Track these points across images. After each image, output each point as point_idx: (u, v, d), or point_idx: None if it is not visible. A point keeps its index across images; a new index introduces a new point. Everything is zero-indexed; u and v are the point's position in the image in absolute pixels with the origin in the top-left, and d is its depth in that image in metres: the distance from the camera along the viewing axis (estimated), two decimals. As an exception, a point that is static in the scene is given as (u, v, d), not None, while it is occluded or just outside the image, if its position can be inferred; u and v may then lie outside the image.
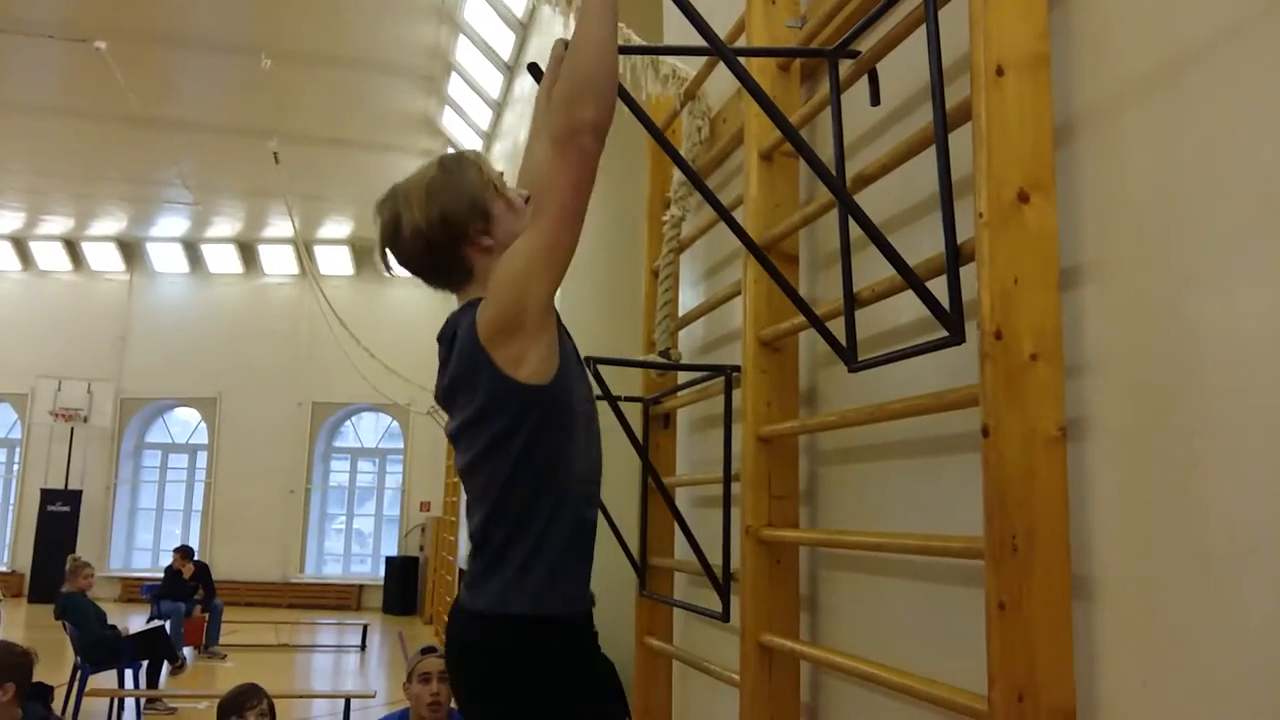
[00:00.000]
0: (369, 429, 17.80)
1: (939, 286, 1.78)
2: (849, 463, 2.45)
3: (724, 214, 2.34)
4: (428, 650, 3.69)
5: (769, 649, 2.43)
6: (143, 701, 7.74)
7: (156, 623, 8.37)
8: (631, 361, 3.18)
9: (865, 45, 2.18)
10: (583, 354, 1.86)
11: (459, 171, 1.75)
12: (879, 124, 2.28)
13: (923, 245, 2.02)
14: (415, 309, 17.21)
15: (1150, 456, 1.49)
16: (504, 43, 9.25)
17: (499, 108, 10.40)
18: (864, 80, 2.18)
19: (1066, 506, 1.57)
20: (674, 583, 3.41)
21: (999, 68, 1.64)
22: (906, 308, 2.09)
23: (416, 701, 3.60)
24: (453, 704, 3.72)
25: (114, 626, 7.86)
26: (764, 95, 1.80)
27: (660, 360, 3.06)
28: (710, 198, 2.35)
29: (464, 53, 9.98)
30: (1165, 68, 1.50)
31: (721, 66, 2.93)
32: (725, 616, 2.71)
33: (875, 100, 2.16)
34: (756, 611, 2.46)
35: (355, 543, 17.47)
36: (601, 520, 3.88)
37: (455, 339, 1.68)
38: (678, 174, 3.22)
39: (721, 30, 2.95)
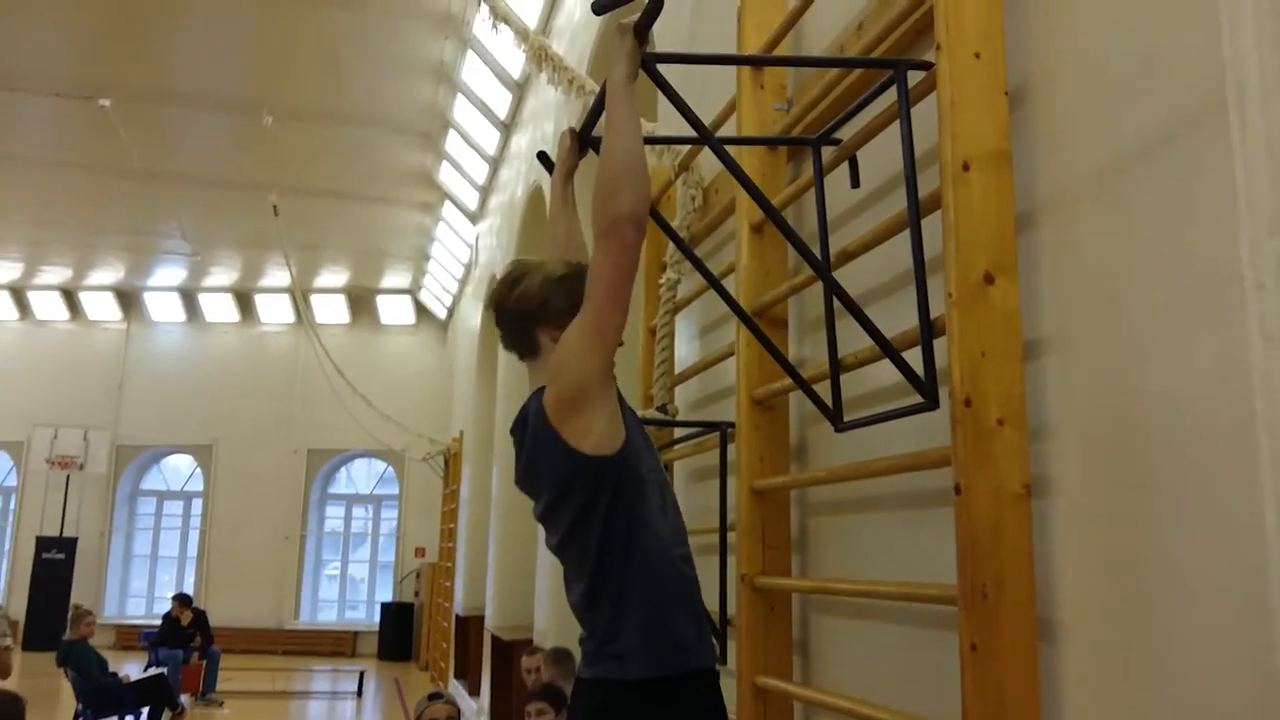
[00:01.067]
0: (363, 475, 17.88)
1: (914, 356, 1.97)
2: (837, 514, 2.62)
3: (715, 284, 2.53)
4: (435, 696, 3.83)
5: (764, 690, 2.58)
6: (141, 749, 7.80)
7: (156, 670, 8.41)
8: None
9: (846, 133, 2.39)
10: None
11: (581, 281, 1.93)
12: (859, 203, 2.48)
13: (900, 315, 2.21)
14: (409, 356, 17.41)
15: (1104, 511, 1.67)
16: (500, 102, 9.52)
17: (495, 163, 10.65)
18: (844, 165, 2.39)
19: (1031, 557, 1.74)
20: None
21: (965, 164, 1.83)
22: (886, 373, 2.27)
23: (428, 749, 3.73)
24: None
25: (115, 674, 7.94)
26: (753, 185, 2.00)
27: (659, 416, 3.24)
28: (702, 269, 2.55)
29: (461, 110, 10.25)
30: (1113, 165, 1.70)
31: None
32: (722, 660, 2.86)
33: (855, 183, 2.36)
34: (752, 655, 2.61)
35: (350, 589, 17.47)
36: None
37: (527, 424, 1.88)
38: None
39: (714, 109, 3.17)
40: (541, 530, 6.17)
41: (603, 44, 5.72)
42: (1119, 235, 1.69)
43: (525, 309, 1.94)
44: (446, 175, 12.11)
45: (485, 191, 11.53)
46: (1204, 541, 1.47)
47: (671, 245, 3.43)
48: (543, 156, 2.36)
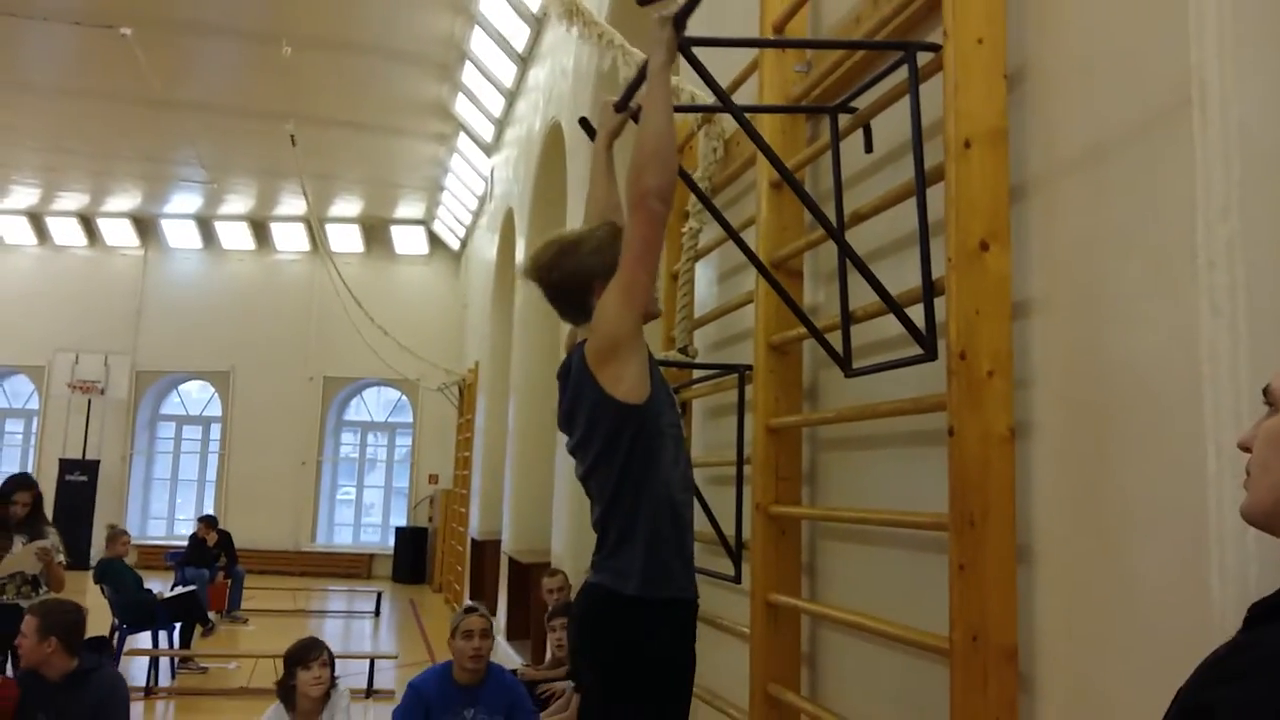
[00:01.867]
0: (377, 403, 18.24)
1: (916, 312, 2.21)
2: (843, 450, 2.89)
3: (735, 237, 2.77)
4: (470, 610, 4.14)
5: (775, 606, 2.88)
6: (177, 661, 8.23)
7: (189, 588, 8.83)
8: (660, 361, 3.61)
9: (861, 101, 2.59)
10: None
11: (617, 240, 2.18)
12: (870, 166, 2.69)
13: (904, 273, 2.44)
14: (423, 287, 17.62)
15: (1075, 453, 1.92)
16: (518, 34, 9.59)
17: (511, 96, 10.74)
18: (858, 130, 2.60)
19: (1013, 491, 2.00)
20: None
21: (967, 141, 2.05)
22: (890, 326, 2.51)
23: (459, 655, 4.06)
24: (490, 658, 4.19)
25: (150, 590, 8.34)
26: (775, 156, 2.22)
27: (680, 357, 3.49)
28: (724, 223, 2.77)
29: (478, 42, 10.32)
30: (1094, 148, 1.92)
31: (737, 94, 3.33)
32: (737, 580, 3.16)
33: (869, 148, 2.58)
34: (765, 575, 2.91)
35: (364, 513, 17.96)
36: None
37: (570, 372, 2.15)
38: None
39: (735, 70, 3.35)
40: (559, 462, 6.55)
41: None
42: (1097, 212, 1.91)
43: (575, 285, 2.18)
44: (462, 107, 12.19)
45: (501, 124, 11.63)
46: (1156, 482, 1.73)
47: (693, 195, 3.64)
48: (584, 123, 2.57)
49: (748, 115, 2.36)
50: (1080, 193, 1.95)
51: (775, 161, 2.18)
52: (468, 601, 4.16)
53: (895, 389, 2.50)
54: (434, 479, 17.05)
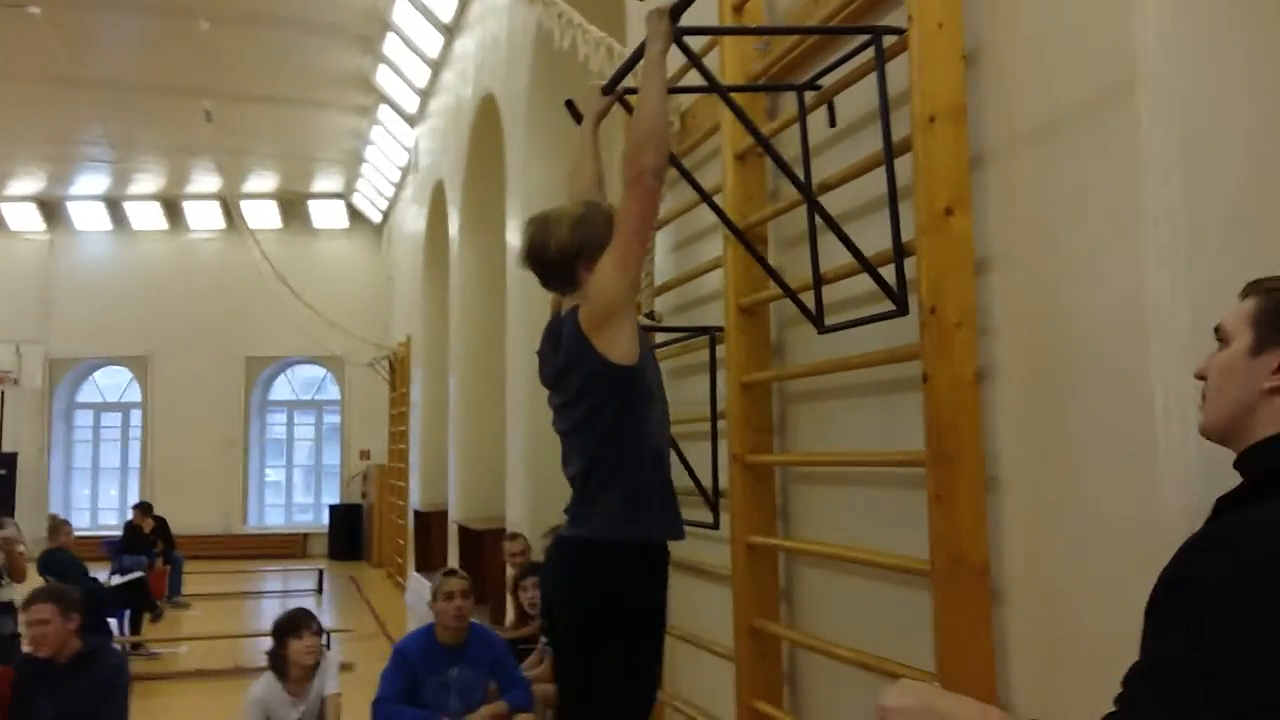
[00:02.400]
0: (303, 381, 18.05)
1: (887, 272, 2.44)
2: (812, 402, 3.13)
3: (711, 204, 2.97)
4: (449, 573, 4.31)
5: (754, 547, 3.12)
6: (129, 648, 8.19)
7: (137, 575, 8.76)
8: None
9: (826, 79, 2.80)
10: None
11: (601, 218, 2.35)
12: (833, 137, 2.91)
13: (868, 236, 2.66)
14: (345, 262, 17.42)
15: (1034, 393, 2.18)
16: (444, 5, 9.56)
17: (437, 66, 10.70)
18: (822, 106, 2.81)
19: (979, 428, 2.26)
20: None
21: (931, 117, 2.28)
22: (856, 285, 2.74)
23: (442, 615, 4.22)
24: (473, 618, 4.37)
25: (96, 579, 8.26)
26: (758, 130, 2.42)
27: (648, 322, 3.68)
28: (701, 192, 2.97)
29: (401, 13, 10.25)
30: (1048, 121, 2.16)
31: (693, 72, 3.51)
32: (715, 526, 3.39)
33: (832, 123, 2.79)
34: (743, 519, 3.14)
35: (296, 493, 17.81)
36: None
37: (561, 336, 2.32)
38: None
39: (696, 46, 3.52)
40: (512, 429, 6.70)
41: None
42: (1051, 178, 2.16)
43: (565, 256, 2.35)
44: (384, 78, 12.08)
45: (425, 95, 11.58)
46: (1109, 415, 1.99)
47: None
48: (570, 105, 2.72)
49: (710, 92, 2.55)
50: (1034, 162, 2.19)
51: (759, 136, 2.38)
52: (447, 566, 4.34)
53: (860, 344, 2.74)
54: (365, 455, 16.99)
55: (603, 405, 2.30)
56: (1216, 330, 1.40)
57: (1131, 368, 1.92)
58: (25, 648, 3.83)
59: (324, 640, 4.20)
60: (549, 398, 2.55)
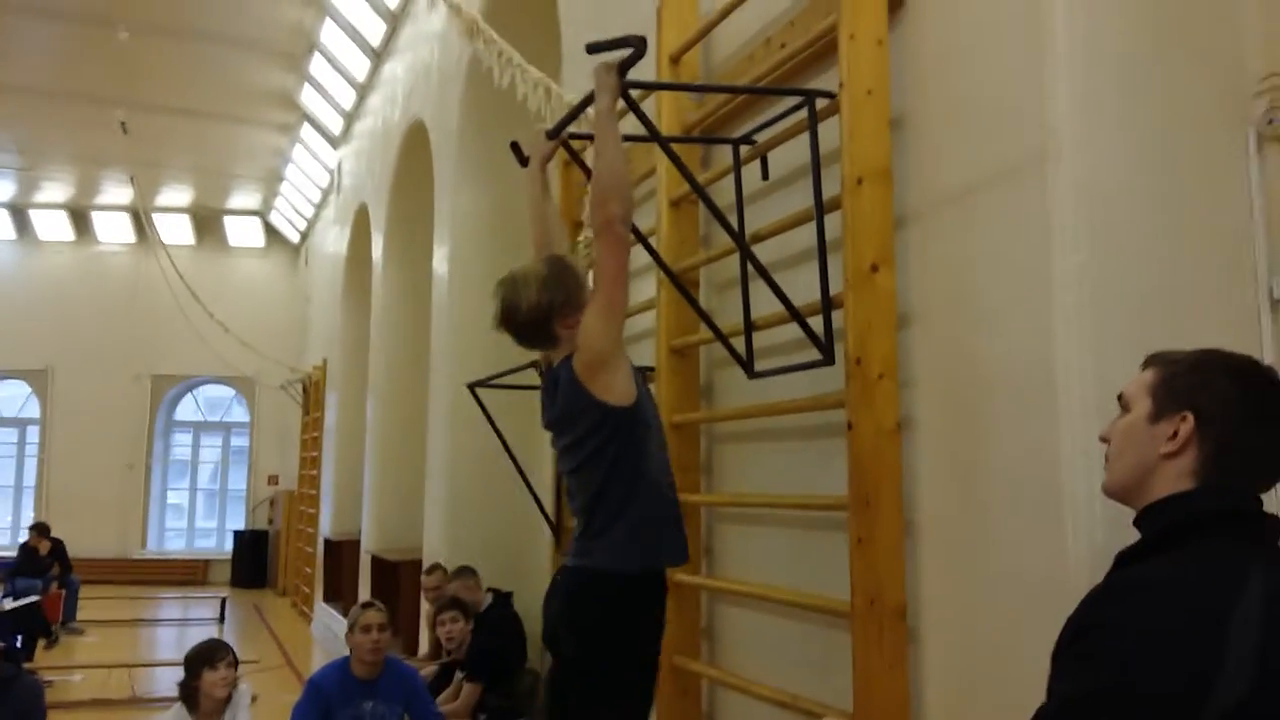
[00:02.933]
0: (210, 402, 17.56)
1: (815, 322, 2.55)
2: (738, 444, 3.22)
3: (647, 246, 3.04)
4: (367, 605, 4.26)
5: (677, 585, 3.17)
6: (17, 676, 7.84)
7: (30, 599, 8.40)
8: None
9: (760, 134, 2.92)
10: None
11: (567, 274, 2.40)
12: (765, 189, 3.03)
13: (797, 285, 2.77)
14: (260, 281, 17.06)
15: (950, 441, 2.31)
16: (373, 29, 9.53)
17: (363, 90, 10.64)
18: (756, 160, 2.93)
19: (900, 475, 2.37)
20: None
21: (859, 179, 2.40)
22: (785, 332, 2.85)
23: (358, 649, 4.18)
24: (389, 652, 4.33)
25: (-18, 605, 7.90)
26: (697, 182, 2.51)
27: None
28: (636, 232, 3.03)
29: (329, 34, 10.18)
30: (965, 187, 2.30)
31: (629, 117, 3.60)
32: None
33: (765, 176, 2.91)
34: (668, 557, 3.20)
35: (199, 517, 17.26)
36: (523, 488, 4.56)
37: (559, 385, 2.36)
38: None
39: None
40: (433, 459, 6.62)
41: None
42: (969, 240, 2.29)
43: (539, 317, 2.39)
44: (308, 98, 11.95)
45: (350, 117, 11.48)
46: (1019, 464, 2.12)
47: (587, 206, 3.88)
48: (515, 147, 2.78)
49: (649, 141, 2.64)
50: (954, 224, 2.33)
51: (697, 188, 2.48)
52: (363, 598, 4.26)
53: (787, 389, 2.84)
54: (274, 480, 16.56)
55: (605, 446, 2.36)
56: (1119, 398, 1.52)
57: (1040, 422, 2.05)
58: None
59: (236, 672, 4.10)
60: (551, 440, 2.59)
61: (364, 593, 9.09)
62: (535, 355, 3.84)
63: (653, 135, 2.45)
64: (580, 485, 2.43)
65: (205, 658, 3.98)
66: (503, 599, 5.66)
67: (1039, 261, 2.06)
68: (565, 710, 2.42)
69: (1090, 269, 1.99)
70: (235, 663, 4.07)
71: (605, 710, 2.36)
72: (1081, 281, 1.99)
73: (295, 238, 16.91)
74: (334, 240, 12.75)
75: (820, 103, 2.56)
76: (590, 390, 2.31)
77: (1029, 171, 2.11)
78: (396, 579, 7.90)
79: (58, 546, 10.54)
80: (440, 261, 7.19)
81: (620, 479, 2.34)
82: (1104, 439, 1.53)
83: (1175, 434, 1.40)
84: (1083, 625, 1.31)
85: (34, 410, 16.45)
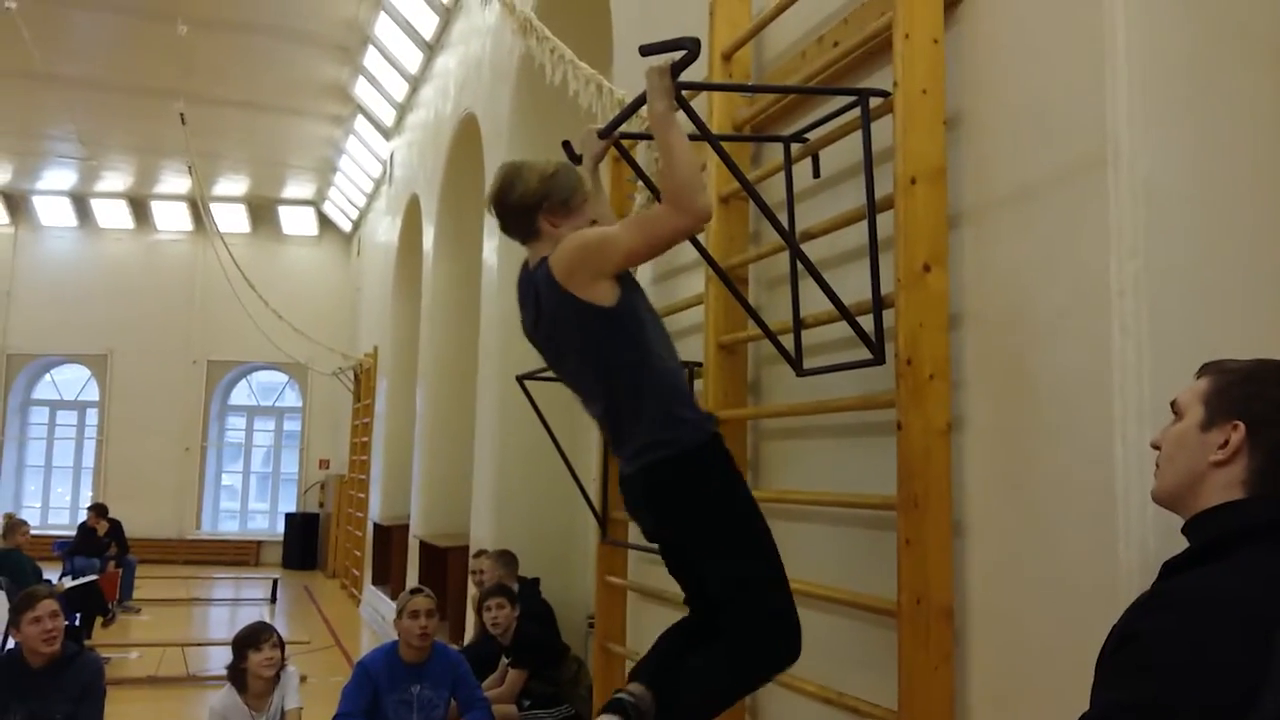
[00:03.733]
0: (264, 387, 17.90)
1: (865, 321, 2.54)
2: (785, 441, 3.23)
3: (695, 243, 3.05)
4: (416, 591, 4.34)
5: (723, 580, 3.20)
6: (78, 652, 8.08)
7: (90, 578, 8.65)
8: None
9: (812, 132, 2.91)
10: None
11: (570, 176, 2.45)
12: (815, 187, 3.02)
13: (847, 284, 2.77)
14: (312, 269, 17.34)
15: (1002, 445, 2.29)
16: (426, 22, 9.62)
17: (416, 82, 10.75)
18: (807, 158, 2.92)
19: (950, 476, 2.36)
20: (629, 531, 4.15)
21: (913, 178, 2.39)
22: (833, 331, 2.85)
23: (406, 634, 4.26)
24: (437, 638, 4.40)
25: (49, 581, 8.14)
26: (749, 183, 2.52)
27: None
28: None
29: (383, 28, 10.30)
30: (1022, 189, 2.28)
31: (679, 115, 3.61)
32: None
33: (816, 174, 2.91)
34: (714, 552, 3.22)
35: (252, 500, 17.62)
36: (568, 478, 4.61)
37: (538, 290, 2.39)
38: (640, 194, 3.90)
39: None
40: (480, 446, 6.66)
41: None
42: (1023, 242, 2.27)
43: (526, 203, 2.41)
44: (361, 90, 12.11)
45: (403, 109, 11.62)
46: (1071, 468, 2.10)
47: (639, 200, 3.91)
48: (567, 146, 2.80)
49: (700, 140, 2.65)
50: (1009, 226, 2.31)
51: (748, 186, 2.48)
52: (411, 583, 4.30)
53: (835, 388, 2.84)
54: (325, 464, 16.87)
55: (596, 343, 2.35)
56: (1173, 404, 1.52)
57: (1094, 428, 2.03)
58: (41, 645, 3.77)
59: (283, 653, 4.20)
60: (536, 344, 2.58)
61: (412, 577, 9.24)
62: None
63: (704, 134, 2.45)
64: (589, 390, 2.44)
65: (250, 640, 4.08)
66: (530, 585, 5.73)
67: (1097, 265, 2.04)
68: (717, 583, 2.35)
69: (1149, 274, 1.97)
70: (280, 644, 4.16)
71: (747, 554, 2.33)
72: (1139, 287, 1.97)
73: (348, 227, 17.16)
74: (385, 230, 12.92)
75: (873, 101, 2.55)
76: (570, 289, 2.31)
77: (1088, 174, 2.09)
78: (444, 564, 8.02)
79: (115, 527, 10.83)
80: (490, 253, 7.26)
81: (626, 374, 2.33)
82: (1155, 445, 1.53)
83: (1226, 442, 1.40)
84: (1128, 633, 1.31)
85: (93, 393, 16.90)
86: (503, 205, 2.46)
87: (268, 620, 10.74)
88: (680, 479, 2.34)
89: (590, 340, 2.35)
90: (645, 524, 2.50)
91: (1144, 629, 1.29)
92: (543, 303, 2.41)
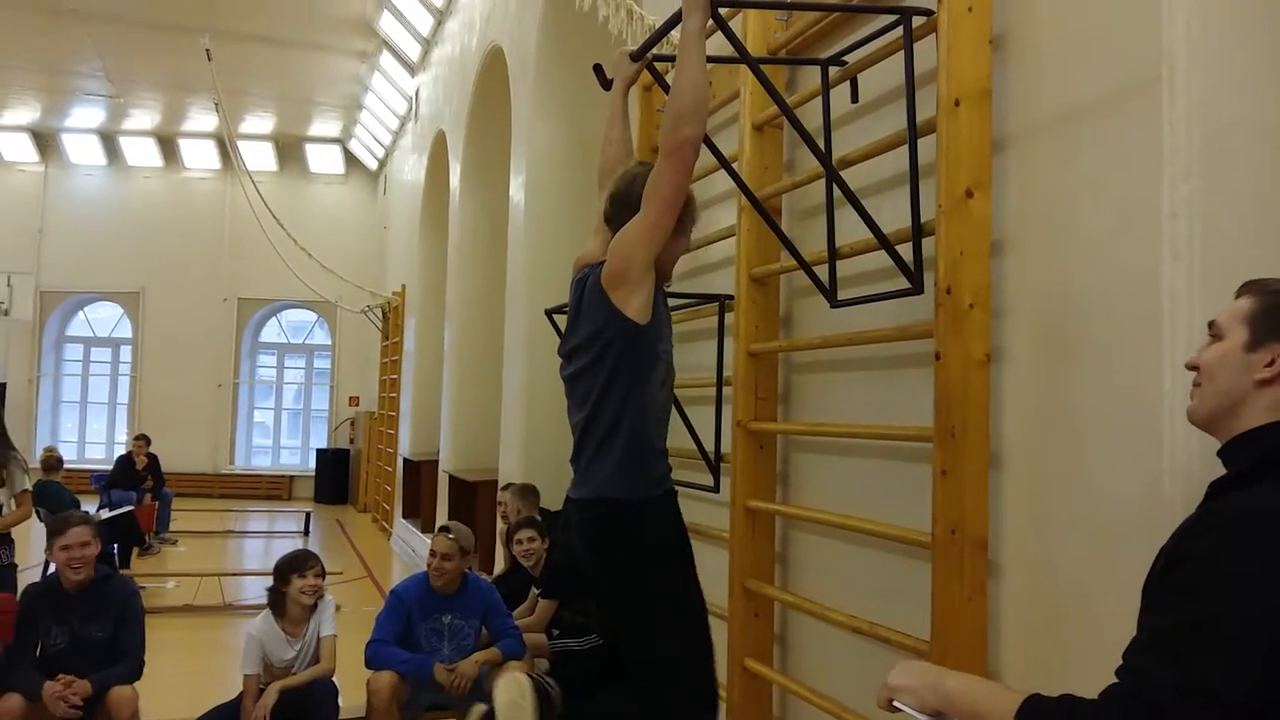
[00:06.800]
0: (295, 325, 18.01)
1: (904, 250, 2.49)
2: (817, 373, 3.19)
3: (731, 171, 3.00)
4: (442, 529, 4.37)
5: (753, 511, 3.20)
6: (118, 581, 8.27)
7: (127, 509, 8.82)
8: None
9: (850, 55, 2.83)
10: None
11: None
12: (853, 113, 2.94)
13: (883, 213, 2.71)
14: (340, 207, 17.32)
15: (1042, 375, 2.25)
16: (452, -47, 9.44)
17: (441, 15, 10.59)
18: (845, 82, 2.84)
19: (988, 407, 2.32)
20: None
21: (956, 100, 2.31)
22: (868, 261, 2.79)
23: (430, 569, 4.30)
24: (468, 570, 4.44)
25: (87, 512, 8.30)
26: (786, 105, 2.45)
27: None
28: (720, 157, 2.99)
29: (408, -41, 10.13)
30: (1070, 111, 2.20)
31: (716, 37, 3.53)
32: (716, 489, 3.47)
33: (855, 99, 2.83)
34: (744, 484, 3.22)
35: (283, 435, 17.85)
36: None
37: (584, 292, 2.36)
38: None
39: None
40: (509, 383, 6.71)
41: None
42: (1070, 166, 2.20)
43: (625, 204, 2.40)
44: (386, 24, 11.95)
45: (428, 43, 11.46)
46: (1115, 399, 2.06)
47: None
48: (598, 70, 2.74)
49: (737, 62, 2.58)
50: (1055, 149, 2.24)
51: (786, 109, 2.42)
52: (441, 518, 4.35)
53: (869, 319, 2.80)
54: (355, 401, 17.01)
55: (606, 354, 2.36)
56: (1211, 325, 1.48)
57: (1140, 355, 1.98)
58: (69, 571, 3.85)
59: (324, 581, 4.26)
60: (559, 346, 2.59)
61: (442, 510, 9.35)
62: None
63: (742, 56, 2.39)
64: (577, 398, 2.44)
65: (295, 565, 4.13)
66: (555, 518, 5.76)
67: (1147, 189, 1.97)
68: (631, 643, 2.43)
69: (1201, 198, 1.90)
70: (323, 573, 4.22)
71: (662, 633, 2.37)
72: (1191, 211, 1.90)
73: (374, 165, 17.08)
74: (412, 168, 12.85)
75: (916, 21, 2.46)
76: (609, 295, 2.31)
77: (1140, 95, 2.01)
78: (474, 498, 8.09)
79: (152, 460, 11.00)
80: (517, 189, 7.20)
81: (615, 396, 2.34)
82: (1192, 366, 1.50)
83: (1273, 361, 1.37)
84: (1176, 556, 1.29)
85: (126, 330, 17.08)
86: (621, 198, 2.44)
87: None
88: (623, 524, 2.36)
89: (604, 349, 2.36)
90: (578, 553, 2.51)
91: (1192, 552, 1.26)
92: (584, 302, 2.43)
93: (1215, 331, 1.48)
